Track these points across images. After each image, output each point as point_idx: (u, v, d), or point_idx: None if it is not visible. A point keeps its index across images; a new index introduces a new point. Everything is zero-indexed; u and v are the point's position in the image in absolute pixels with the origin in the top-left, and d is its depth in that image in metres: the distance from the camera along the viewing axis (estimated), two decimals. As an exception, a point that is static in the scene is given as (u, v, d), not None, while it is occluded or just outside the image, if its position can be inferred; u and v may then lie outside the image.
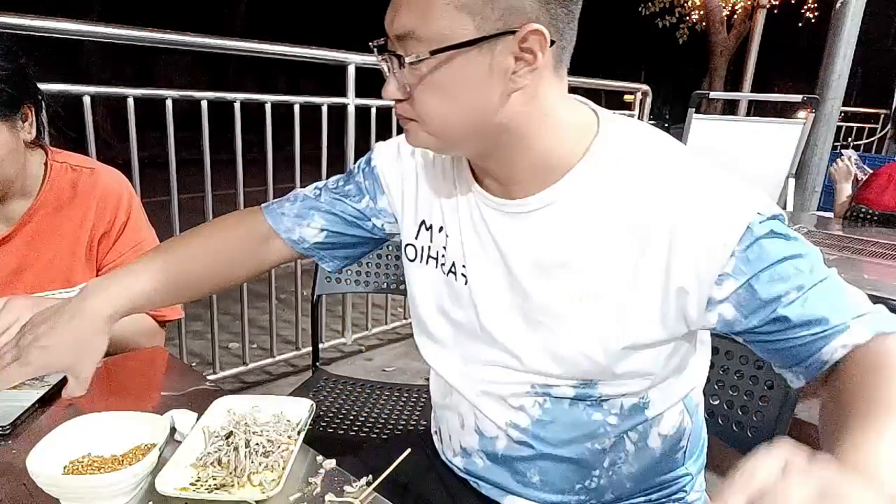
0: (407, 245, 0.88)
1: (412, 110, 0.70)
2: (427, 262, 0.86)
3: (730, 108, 8.90)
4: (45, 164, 1.13)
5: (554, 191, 0.72)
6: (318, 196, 0.93)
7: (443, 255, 0.84)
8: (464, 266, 0.81)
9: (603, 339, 0.72)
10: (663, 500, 0.85)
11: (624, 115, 0.99)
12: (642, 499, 0.84)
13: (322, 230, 0.92)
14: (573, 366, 0.74)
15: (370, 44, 0.71)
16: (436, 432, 0.98)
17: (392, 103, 0.72)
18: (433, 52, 0.64)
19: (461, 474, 0.91)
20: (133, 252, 1.18)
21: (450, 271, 0.83)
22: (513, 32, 0.63)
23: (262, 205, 0.96)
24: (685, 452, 0.85)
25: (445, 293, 0.84)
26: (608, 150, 0.71)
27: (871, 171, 2.83)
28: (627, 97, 3.93)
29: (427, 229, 0.86)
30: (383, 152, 0.91)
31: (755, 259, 0.65)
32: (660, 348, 0.73)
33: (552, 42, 0.65)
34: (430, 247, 0.85)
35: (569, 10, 0.66)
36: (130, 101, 1.98)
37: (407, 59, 0.65)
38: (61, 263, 1.11)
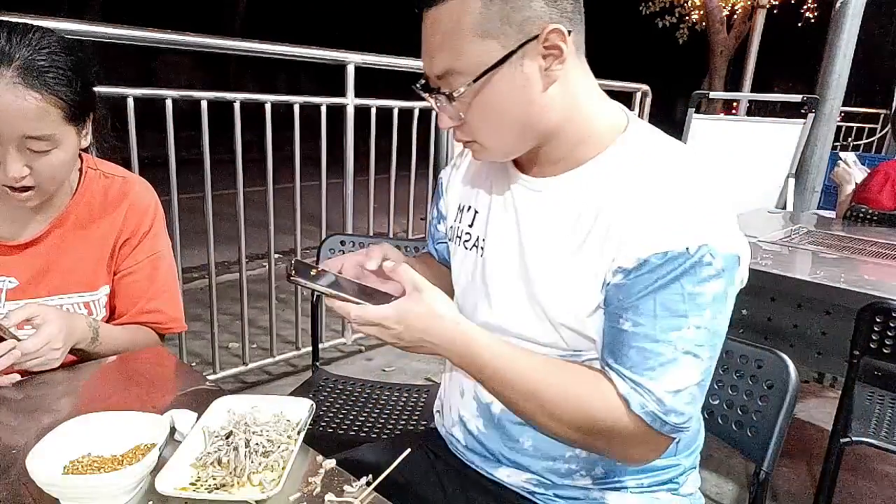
0: (449, 227, 0.98)
1: (467, 134, 0.79)
2: (458, 242, 0.94)
3: (730, 108, 8.90)
4: (80, 169, 1.14)
5: (576, 173, 0.79)
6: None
7: (467, 234, 0.92)
8: (483, 239, 0.88)
9: (590, 311, 0.76)
10: (655, 487, 0.87)
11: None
12: (634, 483, 0.86)
13: (434, 246, 1.08)
14: (562, 337, 0.79)
15: (414, 87, 0.79)
16: (438, 411, 1.03)
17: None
18: (475, 80, 0.71)
19: (459, 448, 0.95)
20: (149, 261, 1.18)
21: (474, 245, 0.90)
22: (535, 38, 0.70)
23: None
24: (678, 443, 0.87)
25: (462, 267, 0.93)
26: (629, 146, 0.77)
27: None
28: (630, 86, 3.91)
29: (465, 211, 0.94)
30: (448, 163, 1.03)
31: (652, 281, 0.70)
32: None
33: (569, 32, 0.71)
34: (459, 227, 0.94)
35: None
36: (130, 101, 1.98)
37: (455, 94, 0.73)
38: (86, 267, 1.12)
